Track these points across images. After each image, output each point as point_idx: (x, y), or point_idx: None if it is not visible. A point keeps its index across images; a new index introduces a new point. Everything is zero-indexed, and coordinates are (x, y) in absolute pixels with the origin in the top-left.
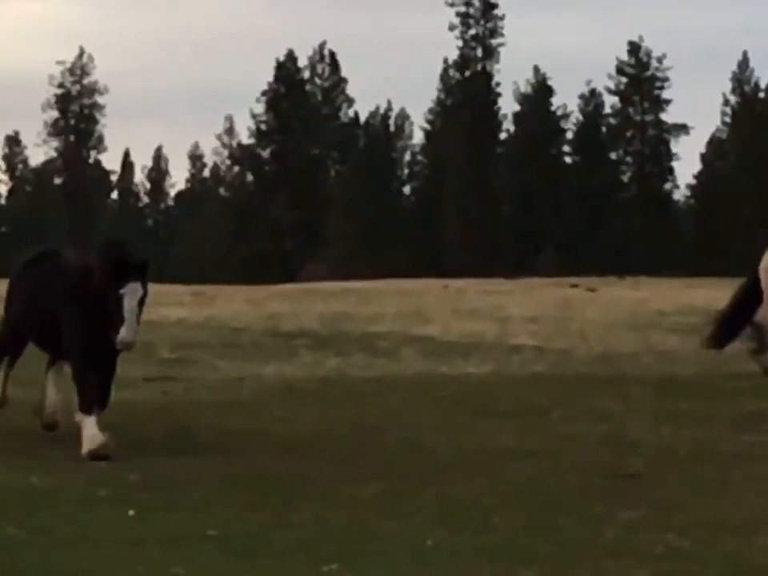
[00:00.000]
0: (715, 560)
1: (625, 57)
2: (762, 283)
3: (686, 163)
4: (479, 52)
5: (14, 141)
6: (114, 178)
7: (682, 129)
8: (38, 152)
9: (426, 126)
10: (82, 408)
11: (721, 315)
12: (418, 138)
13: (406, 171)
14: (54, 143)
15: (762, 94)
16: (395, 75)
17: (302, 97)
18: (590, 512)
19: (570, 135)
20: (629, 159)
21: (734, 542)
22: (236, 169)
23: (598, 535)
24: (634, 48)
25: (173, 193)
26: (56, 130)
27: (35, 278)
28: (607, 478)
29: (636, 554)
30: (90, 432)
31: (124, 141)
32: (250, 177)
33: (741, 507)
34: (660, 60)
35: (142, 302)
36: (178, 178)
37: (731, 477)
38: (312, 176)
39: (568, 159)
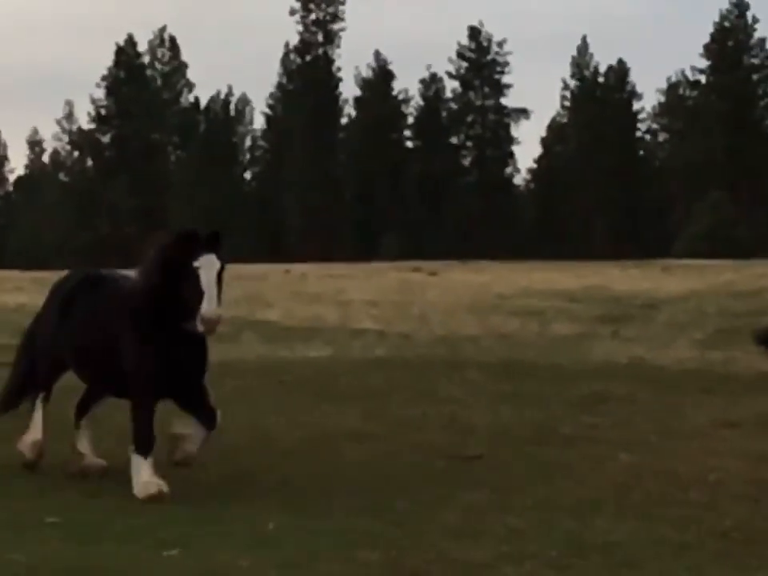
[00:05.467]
0: (555, 540)
1: (465, 41)
2: None
3: (526, 147)
4: (320, 36)
5: None
6: None
7: (522, 113)
8: None
9: (267, 110)
10: (139, 449)
11: None
12: (259, 123)
13: (248, 156)
14: None
15: (601, 79)
16: (236, 60)
17: (141, 82)
18: (430, 494)
19: (411, 120)
20: (469, 144)
21: (573, 523)
22: (76, 154)
23: (440, 518)
24: (474, 32)
25: (12, 179)
26: None
27: (87, 305)
28: (447, 460)
29: (477, 536)
30: (145, 478)
31: None
32: (90, 162)
33: (580, 488)
34: (500, 44)
35: (220, 277)
36: (16, 164)
37: (570, 458)
38: (152, 161)
39: (409, 144)
